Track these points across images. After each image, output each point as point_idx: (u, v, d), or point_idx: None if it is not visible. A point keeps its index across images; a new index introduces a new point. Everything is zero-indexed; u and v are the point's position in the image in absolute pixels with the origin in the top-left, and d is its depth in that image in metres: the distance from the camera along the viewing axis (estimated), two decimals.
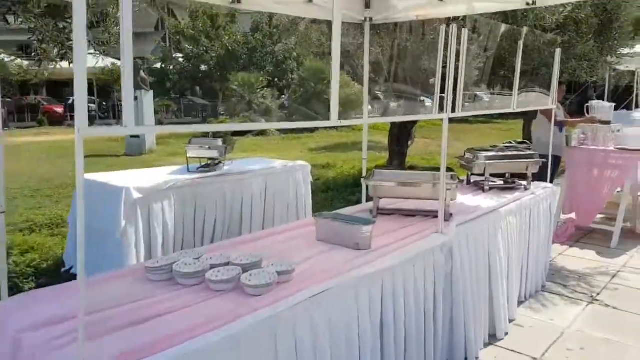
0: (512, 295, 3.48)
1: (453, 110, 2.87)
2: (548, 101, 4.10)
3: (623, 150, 5.22)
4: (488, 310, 3.19)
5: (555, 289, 4.10)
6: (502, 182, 4.03)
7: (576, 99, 21.17)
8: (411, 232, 2.80)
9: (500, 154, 3.90)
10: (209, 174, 3.96)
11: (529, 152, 4.00)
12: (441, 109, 2.89)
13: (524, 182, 3.94)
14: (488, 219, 3.18)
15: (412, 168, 3.03)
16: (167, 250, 3.67)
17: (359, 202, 4.17)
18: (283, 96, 19.57)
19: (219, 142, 4.02)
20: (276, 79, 20.64)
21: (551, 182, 4.55)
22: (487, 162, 3.82)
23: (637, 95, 10.36)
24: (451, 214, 3.04)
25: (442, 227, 2.79)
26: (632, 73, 11.94)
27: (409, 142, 7.85)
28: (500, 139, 12.00)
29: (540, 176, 4.18)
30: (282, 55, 18.47)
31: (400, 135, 7.57)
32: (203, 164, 4.11)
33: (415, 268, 2.48)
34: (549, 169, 4.53)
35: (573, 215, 5.59)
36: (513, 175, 4.12)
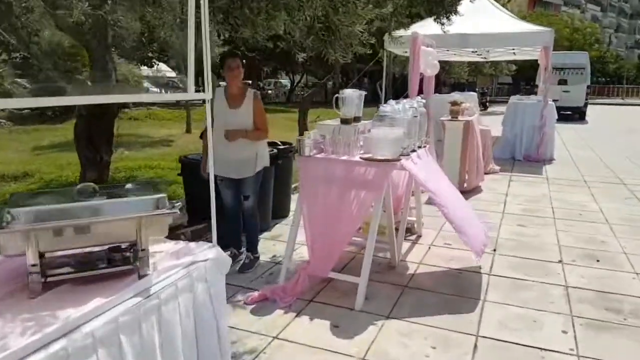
0: None
1: None
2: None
3: (369, 161, 3.57)
4: None
5: None
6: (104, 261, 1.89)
7: (371, 89, 20.98)
8: None
9: (71, 205, 1.72)
10: None
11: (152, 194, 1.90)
12: None
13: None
14: None
15: None
16: None
17: None
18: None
19: None
20: (20, 54, 15.85)
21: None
22: (32, 226, 1.62)
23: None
24: None
25: None
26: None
27: (113, 145, 5.36)
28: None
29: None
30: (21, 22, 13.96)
31: (94, 132, 5.06)
32: None
33: None
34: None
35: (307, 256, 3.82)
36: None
